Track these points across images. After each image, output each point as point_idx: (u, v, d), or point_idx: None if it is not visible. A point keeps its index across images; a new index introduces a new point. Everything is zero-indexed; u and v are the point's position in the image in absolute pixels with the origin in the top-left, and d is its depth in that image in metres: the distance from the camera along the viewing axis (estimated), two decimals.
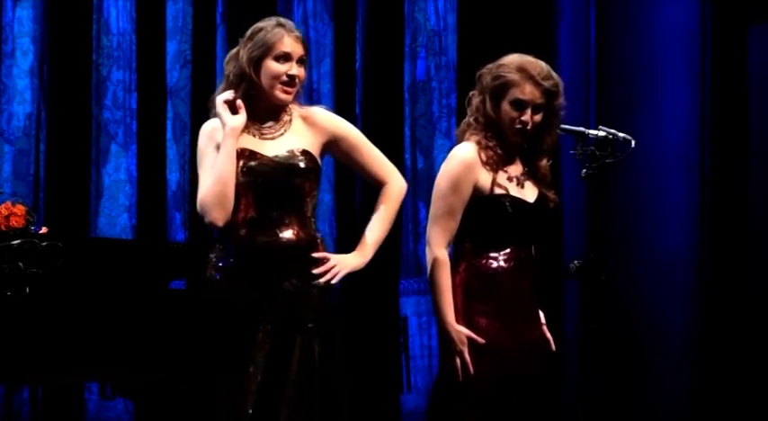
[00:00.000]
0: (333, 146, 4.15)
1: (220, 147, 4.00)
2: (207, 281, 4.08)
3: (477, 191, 4.27)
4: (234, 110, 4.04)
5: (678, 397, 6.58)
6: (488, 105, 4.29)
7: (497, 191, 4.27)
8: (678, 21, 6.68)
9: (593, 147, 4.31)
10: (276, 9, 6.53)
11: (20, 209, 5.05)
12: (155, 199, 6.37)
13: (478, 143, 4.29)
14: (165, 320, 5.14)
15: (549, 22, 6.86)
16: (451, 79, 6.93)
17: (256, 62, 4.04)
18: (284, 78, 4.03)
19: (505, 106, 4.28)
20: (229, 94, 4.04)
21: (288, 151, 4.06)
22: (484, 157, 4.28)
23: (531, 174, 4.36)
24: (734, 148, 6.61)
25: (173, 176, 6.48)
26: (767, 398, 6.46)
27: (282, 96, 4.06)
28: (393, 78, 6.75)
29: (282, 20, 4.13)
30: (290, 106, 4.13)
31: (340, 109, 6.24)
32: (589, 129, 4.38)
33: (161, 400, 5.42)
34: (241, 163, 4.02)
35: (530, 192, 4.33)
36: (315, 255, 4.03)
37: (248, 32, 4.11)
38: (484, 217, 4.28)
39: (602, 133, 4.34)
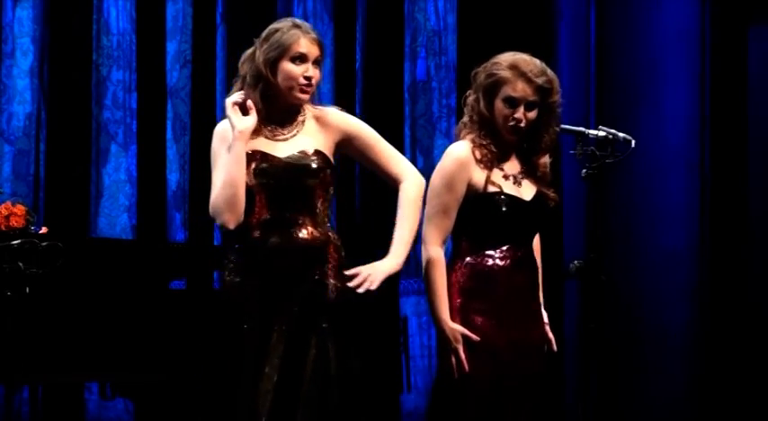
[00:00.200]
0: (347, 145, 4.15)
1: (231, 149, 3.99)
2: (223, 282, 4.09)
3: (471, 189, 4.28)
4: (244, 111, 4.03)
5: (677, 396, 6.58)
6: (482, 103, 4.30)
7: (491, 189, 4.27)
8: (678, 21, 6.68)
9: (593, 147, 4.31)
10: (276, 9, 6.54)
11: (20, 209, 5.05)
12: (155, 199, 6.37)
13: (473, 141, 4.30)
14: (165, 320, 5.14)
15: (549, 22, 6.86)
16: (451, 79, 6.93)
17: (273, 63, 4.05)
18: (301, 80, 4.04)
19: (498, 104, 4.28)
20: (239, 96, 4.04)
21: (300, 152, 4.06)
22: (478, 155, 4.28)
23: (530, 172, 4.36)
24: (734, 148, 6.61)
25: (173, 176, 6.48)
26: (767, 398, 6.47)
27: (300, 96, 4.07)
28: (393, 78, 6.75)
29: (298, 21, 4.14)
30: (305, 107, 4.13)
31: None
32: (589, 129, 4.38)
33: (161, 400, 5.43)
34: (253, 165, 4.03)
35: (527, 191, 4.33)
36: (347, 273, 4.01)
37: (264, 33, 4.11)
38: (479, 215, 4.28)
39: (602, 133, 4.34)
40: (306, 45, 4.06)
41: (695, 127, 6.63)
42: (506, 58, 4.31)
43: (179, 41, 6.53)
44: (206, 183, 6.32)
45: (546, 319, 4.40)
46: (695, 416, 6.56)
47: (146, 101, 6.39)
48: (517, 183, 4.34)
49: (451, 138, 4.43)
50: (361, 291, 4.00)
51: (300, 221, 4.05)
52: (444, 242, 4.26)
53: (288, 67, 4.05)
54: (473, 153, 4.29)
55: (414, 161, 6.83)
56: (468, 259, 4.26)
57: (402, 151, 6.74)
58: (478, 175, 4.28)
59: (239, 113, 4.01)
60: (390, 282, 6.71)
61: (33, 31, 6.38)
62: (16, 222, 5.00)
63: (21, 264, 4.83)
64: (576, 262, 4.33)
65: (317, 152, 4.07)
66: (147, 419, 5.88)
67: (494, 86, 4.28)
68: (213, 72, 6.45)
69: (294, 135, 4.10)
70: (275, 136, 4.09)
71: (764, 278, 6.52)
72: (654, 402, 6.59)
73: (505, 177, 4.32)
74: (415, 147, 6.89)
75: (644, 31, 6.73)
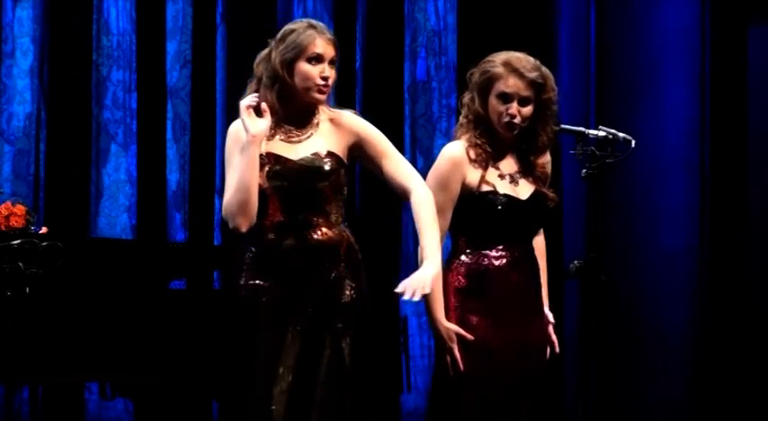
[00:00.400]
0: (358, 149, 4.14)
1: (244, 153, 3.99)
2: (239, 284, 4.10)
3: (465, 188, 4.28)
4: (258, 114, 4.03)
5: (677, 396, 6.58)
6: (477, 102, 4.31)
7: (485, 188, 4.27)
8: (678, 21, 6.68)
9: (593, 147, 4.31)
10: (276, 9, 6.53)
11: (20, 209, 5.05)
12: (155, 199, 6.37)
13: (468, 141, 4.31)
14: (165, 320, 5.14)
15: (549, 22, 6.86)
16: (451, 79, 6.93)
17: (289, 64, 4.05)
18: (318, 80, 4.05)
19: (492, 101, 4.29)
20: (253, 99, 4.03)
21: (313, 154, 4.07)
22: (473, 155, 4.29)
23: (528, 171, 4.36)
24: (734, 148, 6.61)
25: (173, 176, 6.48)
26: (767, 398, 6.47)
27: (317, 96, 4.07)
28: (393, 78, 6.75)
29: (314, 21, 4.15)
30: (320, 108, 4.14)
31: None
32: (589, 129, 4.38)
33: (161, 400, 5.43)
34: (267, 167, 4.03)
35: (524, 190, 4.33)
36: (396, 291, 3.97)
37: (279, 34, 4.11)
38: (474, 214, 4.29)
39: (602, 133, 4.34)
40: (322, 45, 4.07)
41: (695, 127, 6.64)
42: (499, 55, 4.33)
43: (179, 41, 6.53)
44: (206, 182, 6.41)
45: (551, 319, 4.40)
46: (695, 416, 6.56)
47: (146, 101, 6.38)
48: (514, 182, 4.34)
49: (451, 139, 4.43)
50: (416, 298, 3.94)
51: (314, 223, 4.06)
52: (440, 241, 4.27)
53: (304, 67, 4.05)
54: (468, 152, 4.29)
55: (414, 161, 6.83)
56: (464, 258, 4.27)
57: (402, 151, 6.74)
58: (473, 175, 4.29)
59: (253, 116, 4.00)
60: (390, 282, 6.70)
61: (33, 31, 6.38)
62: (16, 222, 5.00)
63: (21, 264, 4.83)
64: (576, 262, 4.33)
65: (331, 154, 4.07)
66: (147, 419, 5.88)
67: (487, 83, 4.29)
68: (213, 72, 6.45)
69: (309, 137, 4.10)
70: (290, 137, 4.10)
71: (764, 278, 6.52)
72: (654, 402, 6.59)
73: (501, 176, 4.33)
74: (415, 147, 6.89)
75: (644, 31, 6.73)
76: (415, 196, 4.10)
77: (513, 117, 4.26)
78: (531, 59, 4.31)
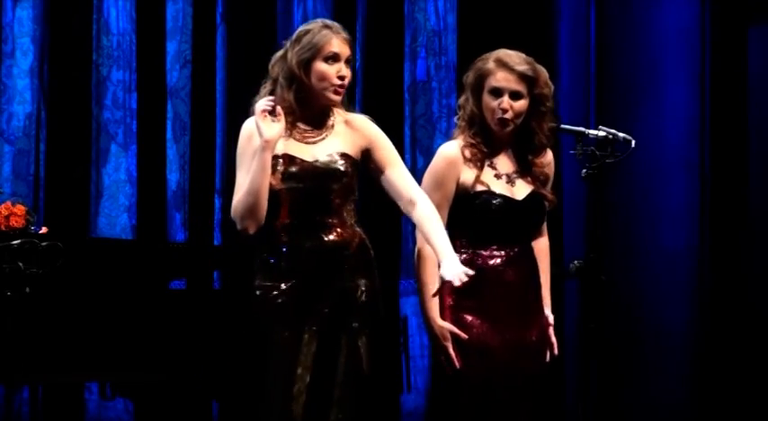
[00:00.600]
0: (367, 153, 4.17)
1: (256, 157, 4.01)
2: (254, 286, 4.11)
3: (460, 188, 4.30)
4: (271, 114, 4.03)
5: (677, 396, 6.58)
6: (471, 101, 4.33)
7: (480, 188, 4.28)
8: (678, 21, 6.68)
9: (593, 147, 4.32)
10: (276, 9, 6.53)
11: (20, 209, 5.04)
12: (155, 199, 6.37)
13: (463, 140, 4.32)
14: (165, 320, 5.14)
15: (549, 22, 6.85)
16: (451, 79, 6.93)
17: (306, 64, 4.08)
18: (335, 80, 4.07)
19: (485, 98, 4.30)
20: (268, 103, 4.03)
21: (328, 155, 4.09)
22: (468, 155, 4.30)
23: (526, 171, 4.37)
24: (734, 148, 6.61)
25: (173, 176, 6.47)
26: (767, 398, 6.46)
27: (333, 97, 4.10)
28: (393, 78, 6.75)
29: (328, 21, 4.17)
30: (335, 111, 4.16)
31: None
32: (589, 129, 4.38)
33: (161, 400, 5.43)
34: (282, 168, 4.05)
35: (520, 190, 4.33)
36: (447, 278, 3.97)
37: (294, 35, 4.15)
38: (469, 214, 4.30)
39: (602, 133, 4.34)
40: (338, 45, 4.09)
41: (695, 127, 6.63)
42: (491, 53, 4.35)
43: (179, 41, 6.53)
44: (206, 182, 6.41)
45: (551, 321, 4.40)
46: (695, 416, 6.56)
47: (146, 101, 6.38)
48: (510, 182, 4.34)
49: (450, 140, 4.45)
50: (458, 283, 3.97)
51: (328, 224, 4.08)
52: None
53: (321, 66, 4.07)
54: (463, 152, 4.31)
55: (414, 161, 6.84)
56: (460, 257, 4.27)
57: (402, 151, 6.76)
58: (467, 174, 4.30)
59: (268, 121, 4.00)
60: (390, 282, 6.72)
61: (33, 31, 6.38)
62: (16, 222, 5.00)
63: (21, 264, 4.83)
64: (576, 262, 4.33)
65: (345, 155, 4.10)
66: (147, 419, 5.88)
67: (479, 81, 4.31)
68: (213, 72, 6.45)
69: (324, 138, 4.13)
70: (305, 138, 4.12)
71: (764, 278, 6.52)
72: (654, 402, 6.59)
73: (497, 176, 4.33)
74: (415, 147, 6.89)
75: (644, 31, 6.73)
76: (422, 206, 4.12)
77: (505, 111, 4.27)
78: (523, 55, 4.32)
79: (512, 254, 4.30)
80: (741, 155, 6.60)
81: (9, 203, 5.07)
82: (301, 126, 4.12)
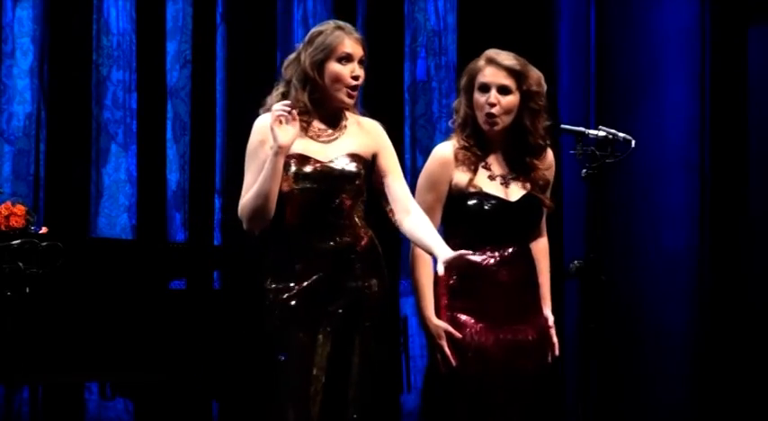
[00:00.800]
0: (373, 158, 4.20)
1: (268, 161, 4.01)
2: (266, 288, 4.12)
3: (454, 189, 4.31)
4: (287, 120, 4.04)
5: (677, 396, 6.58)
6: (464, 102, 4.34)
7: (473, 189, 4.29)
8: (678, 21, 6.68)
9: (593, 147, 4.32)
10: (276, 9, 6.53)
11: (20, 209, 5.04)
12: (155, 199, 6.36)
13: (457, 142, 4.33)
14: (165, 320, 5.14)
15: (549, 22, 6.85)
16: (451, 79, 6.93)
17: (320, 65, 4.10)
18: (349, 80, 4.09)
19: (475, 96, 4.32)
20: (284, 108, 4.03)
21: (340, 156, 4.12)
22: (460, 156, 4.31)
23: (523, 173, 4.37)
24: (734, 148, 6.61)
25: (173, 176, 6.47)
26: (767, 398, 6.46)
27: (347, 99, 4.12)
28: (393, 78, 6.75)
29: (341, 22, 4.20)
30: (347, 114, 4.19)
31: None
32: (589, 129, 4.38)
33: (161, 400, 5.43)
34: (294, 168, 4.06)
35: (514, 192, 4.34)
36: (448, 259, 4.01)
37: (307, 37, 4.17)
38: (462, 215, 4.31)
39: (602, 133, 4.34)
40: (351, 45, 4.12)
41: (695, 127, 6.63)
42: (482, 54, 4.37)
43: (179, 41, 6.52)
44: (206, 182, 6.40)
45: (551, 322, 4.40)
46: (695, 416, 6.56)
47: (146, 101, 6.38)
48: (505, 183, 4.35)
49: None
50: (463, 258, 4.02)
51: (339, 224, 4.11)
52: None
53: (334, 67, 4.10)
54: (456, 153, 4.32)
55: (414, 161, 6.84)
56: None
57: (402, 151, 6.77)
58: (460, 176, 4.31)
59: (283, 126, 4.00)
60: (390, 282, 6.73)
61: (33, 31, 6.38)
62: (16, 222, 5.00)
63: (21, 264, 4.83)
64: (576, 262, 4.33)
65: (357, 156, 4.12)
66: (147, 419, 5.88)
67: (470, 80, 4.34)
68: (213, 72, 6.45)
69: (337, 137, 4.15)
70: (318, 137, 4.14)
71: (764, 278, 6.52)
72: (654, 402, 6.59)
73: (491, 177, 4.34)
74: (414, 147, 6.89)
75: (644, 31, 6.73)
76: (417, 214, 4.16)
77: (493, 105, 4.27)
78: (513, 54, 4.34)
79: (506, 254, 4.30)
80: (741, 155, 6.60)
81: (9, 203, 5.07)
82: (315, 125, 4.13)
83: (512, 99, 4.29)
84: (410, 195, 4.22)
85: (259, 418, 5.45)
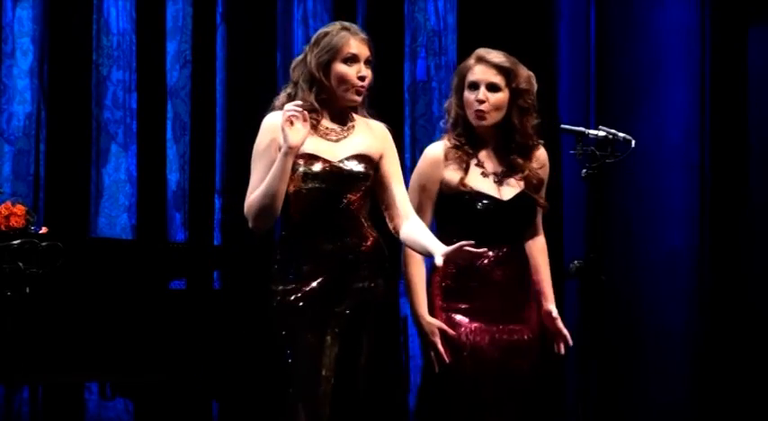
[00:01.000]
0: (378, 161, 4.21)
1: (277, 161, 4.02)
2: (272, 290, 4.12)
3: (445, 188, 4.32)
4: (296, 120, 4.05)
5: (677, 396, 6.58)
6: (455, 102, 4.36)
7: (464, 188, 4.30)
8: (678, 21, 6.68)
9: (593, 147, 4.32)
10: (276, 9, 6.53)
11: (20, 209, 5.04)
12: (155, 199, 6.36)
13: (448, 141, 4.35)
14: (165, 320, 5.14)
15: (549, 22, 6.85)
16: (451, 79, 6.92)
17: (325, 66, 4.11)
18: (355, 81, 4.09)
19: (465, 94, 4.34)
20: (295, 109, 4.03)
21: (349, 156, 4.13)
22: (452, 155, 4.33)
23: (515, 171, 4.37)
24: (734, 148, 6.60)
25: (173, 176, 6.47)
26: (767, 398, 6.46)
27: (353, 98, 4.12)
28: (393, 78, 6.75)
29: (347, 23, 4.21)
30: (355, 116, 4.20)
31: None
32: (589, 129, 4.38)
33: (161, 400, 5.42)
34: (302, 168, 4.06)
35: (507, 191, 4.34)
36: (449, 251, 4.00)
37: (313, 38, 4.19)
38: (455, 214, 4.32)
39: (602, 133, 4.35)
40: (356, 45, 4.13)
41: (695, 127, 6.63)
42: (472, 53, 4.39)
43: (179, 41, 6.52)
44: (206, 182, 6.40)
45: (556, 315, 4.39)
46: (695, 416, 6.55)
47: (146, 101, 6.38)
48: (498, 181, 4.35)
49: None
50: (465, 247, 4.01)
51: (346, 225, 4.12)
52: None
53: (340, 68, 4.10)
54: (447, 152, 4.33)
55: (413, 161, 6.81)
56: None
57: (402, 151, 6.77)
58: (451, 175, 4.32)
59: (294, 126, 4.00)
60: (390, 281, 6.69)
61: (33, 31, 6.38)
62: (16, 222, 4.99)
63: (21, 264, 4.82)
64: (576, 262, 4.33)
65: (366, 157, 4.13)
66: (147, 419, 5.88)
67: (461, 79, 4.36)
68: (213, 72, 6.45)
69: (344, 138, 4.16)
70: (327, 136, 4.14)
71: (764, 278, 6.52)
72: (654, 402, 6.59)
73: (484, 175, 4.35)
74: (414, 147, 6.88)
75: (644, 31, 6.72)
76: (415, 219, 4.19)
77: (482, 102, 4.29)
78: (503, 52, 4.35)
79: (500, 254, 4.31)
80: (741, 155, 6.60)
81: (9, 203, 5.06)
82: (324, 123, 4.14)
83: (501, 96, 4.30)
84: (409, 201, 4.23)
85: (259, 418, 5.45)
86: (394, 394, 6.63)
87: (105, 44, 6.45)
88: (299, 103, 4.05)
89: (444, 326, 4.26)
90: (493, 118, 4.30)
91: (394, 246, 6.45)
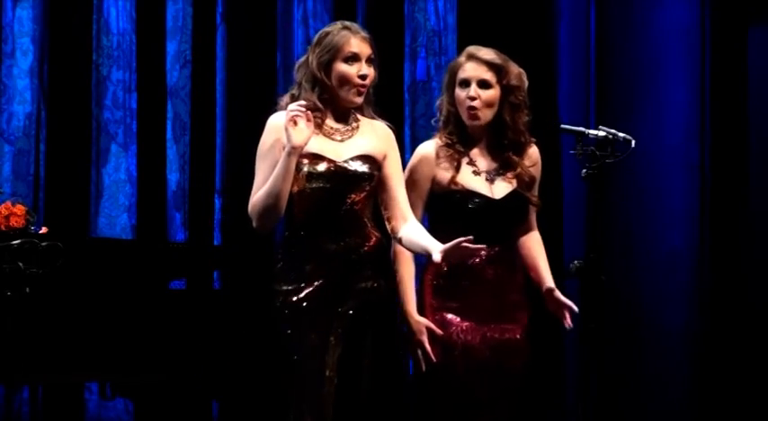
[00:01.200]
0: (381, 161, 4.21)
1: (281, 161, 4.01)
2: (276, 290, 4.12)
3: (437, 186, 4.33)
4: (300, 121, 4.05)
5: (677, 396, 6.57)
6: (446, 100, 4.36)
7: (456, 186, 4.30)
8: (678, 21, 6.68)
9: (593, 147, 4.32)
10: (276, 9, 6.53)
11: (20, 209, 5.04)
12: (155, 199, 6.37)
13: (440, 139, 4.35)
14: (165, 320, 5.14)
15: (549, 22, 6.85)
16: None
17: (326, 65, 4.11)
18: (356, 80, 4.09)
19: (456, 92, 4.34)
20: (299, 109, 4.03)
21: (353, 156, 4.14)
22: (443, 153, 4.33)
23: (507, 169, 4.37)
24: (734, 148, 6.60)
25: (173, 176, 6.47)
26: (767, 399, 6.46)
27: (354, 98, 4.13)
28: (393, 78, 6.75)
29: (348, 23, 4.22)
30: (358, 116, 4.21)
31: None
32: (589, 129, 4.39)
33: (161, 400, 5.42)
34: (307, 168, 4.06)
35: (500, 189, 4.35)
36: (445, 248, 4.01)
37: (314, 39, 4.21)
38: (446, 212, 4.32)
39: (602, 133, 4.35)
40: (357, 44, 4.14)
41: (695, 127, 6.63)
42: (463, 51, 4.40)
43: (179, 41, 6.52)
44: (206, 182, 6.40)
45: (557, 291, 4.38)
46: (695, 416, 6.55)
47: (146, 101, 6.38)
48: (490, 179, 4.35)
49: None
50: (464, 242, 4.02)
51: (349, 225, 4.12)
52: None
53: (342, 67, 4.11)
54: (438, 151, 4.33)
55: None
56: None
57: (402, 151, 6.76)
58: (443, 173, 4.32)
59: (298, 126, 4.00)
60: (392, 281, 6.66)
61: (33, 31, 6.38)
62: (16, 222, 4.99)
63: (21, 264, 4.82)
64: (576, 262, 4.33)
65: (369, 157, 4.14)
66: (147, 419, 5.88)
67: (452, 77, 4.37)
68: (213, 72, 6.45)
69: (349, 137, 4.16)
70: (331, 136, 4.15)
71: (764, 278, 6.52)
72: (654, 402, 6.59)
73: (476, 173, 4.35)
74: (415, 147, 6.87)
75: (644, 31, 6.72)
76: (413, 222, 4.20)
77: (473, 99, 4.29)
78: (494, 49, 4.36)
79: (492, 252, 4.31)
80: (741, 155, 6.60)
81: (9, 203, 5.07)
82: (329, 123, 4.15)
83: (492, 93, 4.31)
84: (408, 203, 4.23)
85: (259, 418, 5.45)
86: (397, 394, 6.63)
87: (105, 44, 6.46)
88: (303, 102, 4.06)
89: (432, 326, 4.27)
90: (485, 115, 4.31)
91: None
